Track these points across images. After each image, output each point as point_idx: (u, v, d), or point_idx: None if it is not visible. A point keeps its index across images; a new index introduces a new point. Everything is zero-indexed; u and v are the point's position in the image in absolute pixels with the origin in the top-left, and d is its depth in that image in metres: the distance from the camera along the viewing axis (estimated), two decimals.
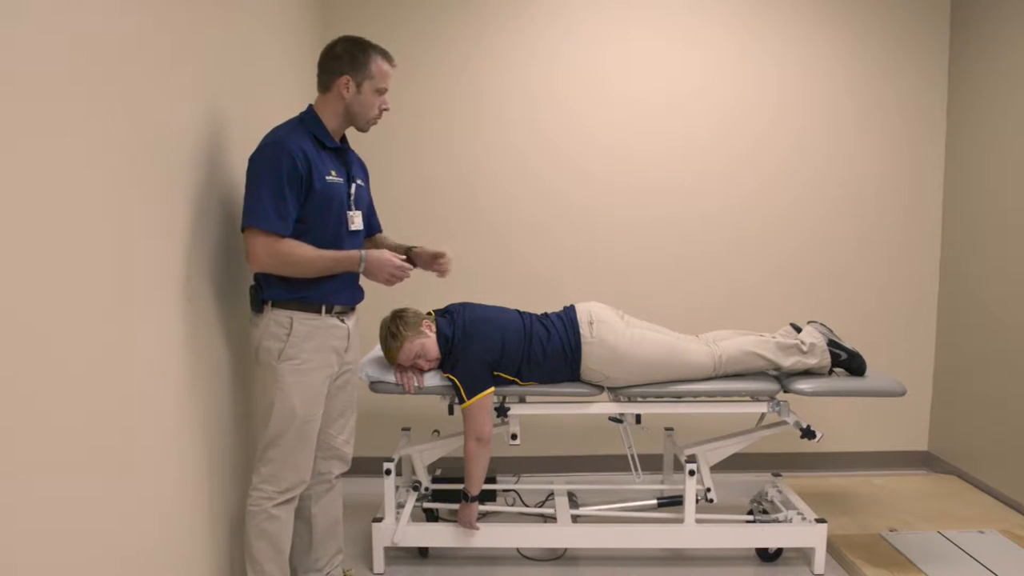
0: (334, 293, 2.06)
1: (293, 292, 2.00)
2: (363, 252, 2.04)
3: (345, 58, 2.02)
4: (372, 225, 2.38)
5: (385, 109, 2.11)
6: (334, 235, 2.05)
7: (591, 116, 3.43)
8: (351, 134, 2.18)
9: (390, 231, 2.48)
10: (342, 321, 2.11)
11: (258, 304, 2.03)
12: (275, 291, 2.00)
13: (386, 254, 2.05)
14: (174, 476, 1.78)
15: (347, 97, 2.03)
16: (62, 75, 1.33)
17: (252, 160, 1.96)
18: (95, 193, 1.43)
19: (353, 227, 2.11)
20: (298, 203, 1.96)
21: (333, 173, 2.04)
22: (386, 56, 2.07)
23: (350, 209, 2.10)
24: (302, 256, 1.96)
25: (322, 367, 2.06)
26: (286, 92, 2.77)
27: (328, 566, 2.33)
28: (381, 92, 2.07)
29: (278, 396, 2.00)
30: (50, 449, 1.29)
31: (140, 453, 1.61)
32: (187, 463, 1.85)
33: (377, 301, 2.86)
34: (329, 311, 2.06)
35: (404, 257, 2.10)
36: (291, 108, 2.81)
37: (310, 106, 2.09)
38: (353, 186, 2.13)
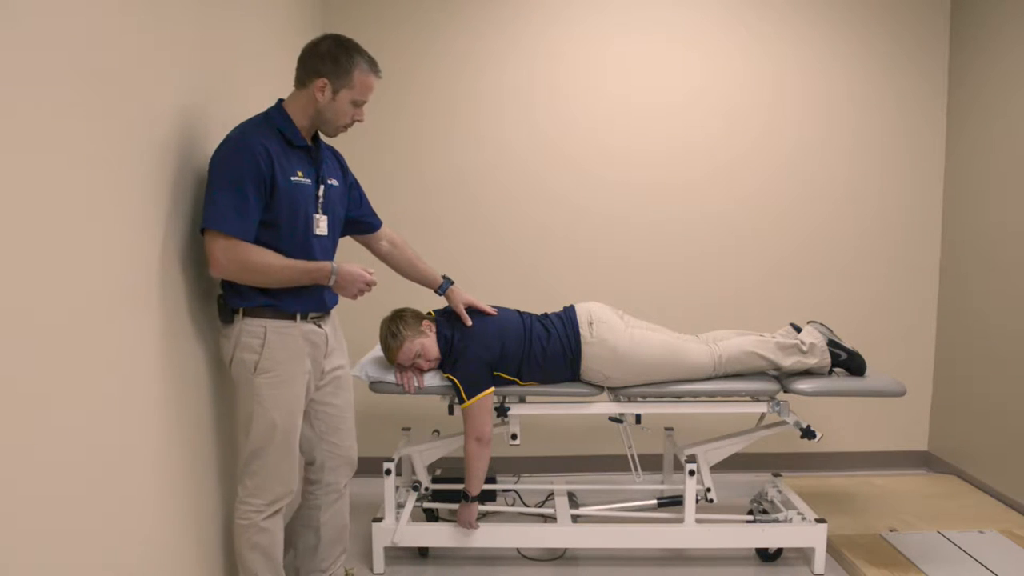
0: (307, 299, 1.98)
1: (264, 298, 1.91)
2: (334, 265, 1.94)
3: (327, 60, 1.90)
4: (370, 223, 2.33)
5: (358, 120, 1.99)
6: (302, 239, 1.95)
7: (591, 116, 3.43)
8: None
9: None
10: (319, 326, 2.04)
11: (227, 314, 1.94)
12: (244, 298, 1.91)
13: (356, 268, 1.96)
14: (157, 484, 1.74)
15: (320, 101, 1.92)
16: (52, 73, 1.32)
17: (212, 158, 1.86)
18: (75, 194, 1.41)
19: (318, 231, 1.99)
20: (261, 204, 1.84)
21: (300, 173, 1.93)
22: (372, 66, 1.96)
23: (316, 212, 1.99)
24: (265, 264, 1.86)
25: (299, 375, 2.00)
26: (285, 91, 2.77)
27: (332, 567, 2.32)
28: (358, 104, 1.96)
29: (257, 410, 1.94)
30: (31, 456, 1.28)
31: (121, 461, 1.58)
32: (170, 471, 1.81)
33: (377, 301, 2.85)
34: (304, 317, 1.99)
35: (372, 271, 2.00)
36: None
37: (279, 101, 1.97)
38: (322, 187, 2.00)
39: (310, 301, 2.00)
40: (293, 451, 2.03)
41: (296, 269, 1.91)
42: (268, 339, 1.92)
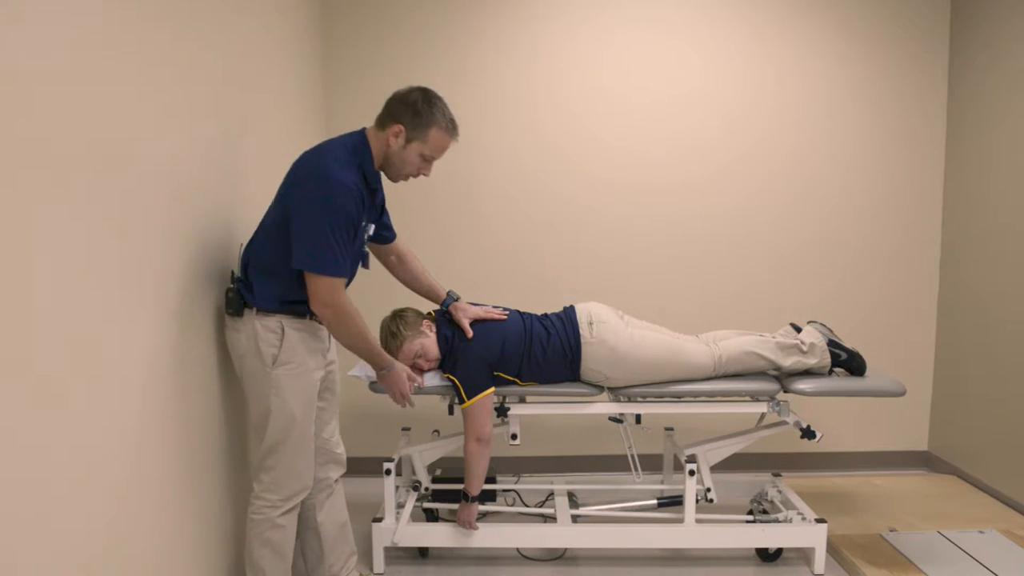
0: (303, 299, 2.02)
1: (284, 302, 1.95)
2: (394, 362, 2.18)
3: (409, 109, 1.96)
4: (386, 235, 2.36)
5: (424, 174, 2.07)
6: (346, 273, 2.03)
7: (591, 116, 3.43)
8: None
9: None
10: (320, 323, 2.09)
11: (237, 306, 1.95)
12: (266, 300, 1.94)
13: (406, 379, 2.22)
14: (160, 485, 1.74)
15: (392, 146, 1.98)
16: (57, 72, 1.32)
17: (308, 191, 1.86)
18: (86, 199, 1.42)
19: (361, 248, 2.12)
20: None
21: (366, 219, 2.03)
22: (450, 128, 2.01)
23: (365, 231, 2.10)
24: (356, 322, 1.98)
25: (315, 369, 2.04)
26: (285, 91, 2.77)
27: (343, 570, 2.32)
28: (427, 159, 2.03)
29: (275, 402, 1.95)
30: (29, 458, 1.27)
31: (126, 460, 1.59)
32: (174, 473, 1.81)
33: (377, 302, 2.86)
34: (313, 316, 2.03)
35: (418, 381, 2.30)
36: (289, 107, 2.83)
37: (363, 133, 2.02)
38: (372, 227, 2.12)
39: (300, 296, 2.02)
40: (309, 446, 2.06)
41: (370, 344, 2.08)
42: (287, 333, 1.96)
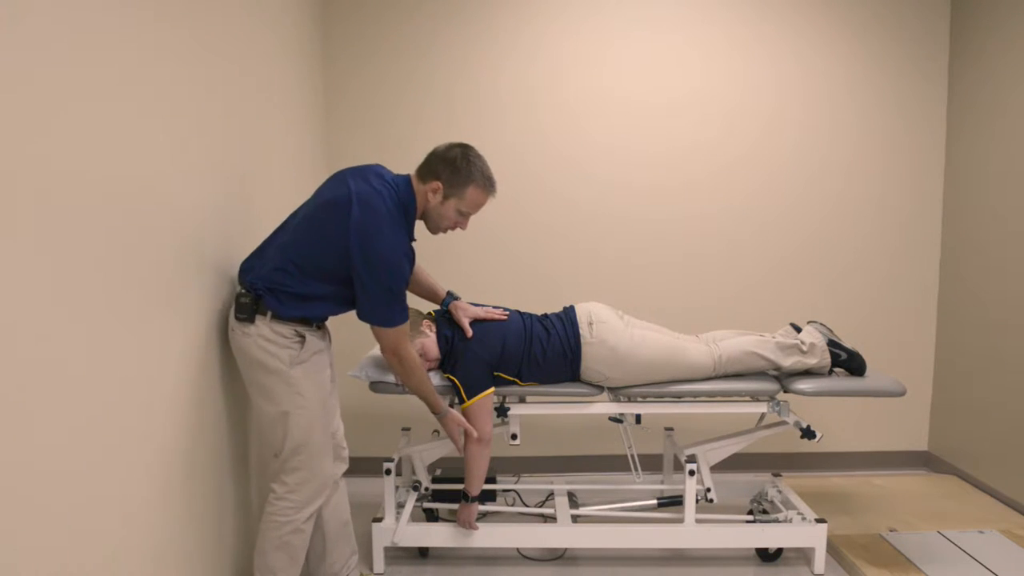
0: (327, 315, 2.09)
1: (300, 312, 1.98)
2: (447, 409, 2.31)
3: (448, 166, 2.04)
4: None
5: (461, 228, 2.16)
6: None
7: (591, 117, 3.43)
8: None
9: None
10: (319, 326, 2.12)
11: (249, 312, 1.95)
12: (284, 308, 1.95)
13: (458, 431, 2.34)
14: (163, 487, 1.75)
15: (431, 201, 2.08)
16: (56, 73, 1.32)
17: (378, 267, 1.94)
18: (91, 207, 1.42)
19: None
20: None
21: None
22: (487, 186, 2.10)
23: None
24: (418, 371, 2.16)
25: (327, 367, 2.09)
26: (285, 91, 2.77)
27: (344, 569, 2.32)
28: (463, 215, 2.12)
29: (296, 402, 1.97)
30: (31, 458, 1.28)
31: (126, 464, 1.59)
32: (178, 475, 1.82)
33: None
34: (316, 323, 2.07)
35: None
36: (289, 107, 2.82)
37: (409, 183, 2.07)
38: None
39: (329, 314, 2.09)
40: (330, 443, 2.10)
41: (429, 389, 2.24)
42: (307, 337, 2.00)
